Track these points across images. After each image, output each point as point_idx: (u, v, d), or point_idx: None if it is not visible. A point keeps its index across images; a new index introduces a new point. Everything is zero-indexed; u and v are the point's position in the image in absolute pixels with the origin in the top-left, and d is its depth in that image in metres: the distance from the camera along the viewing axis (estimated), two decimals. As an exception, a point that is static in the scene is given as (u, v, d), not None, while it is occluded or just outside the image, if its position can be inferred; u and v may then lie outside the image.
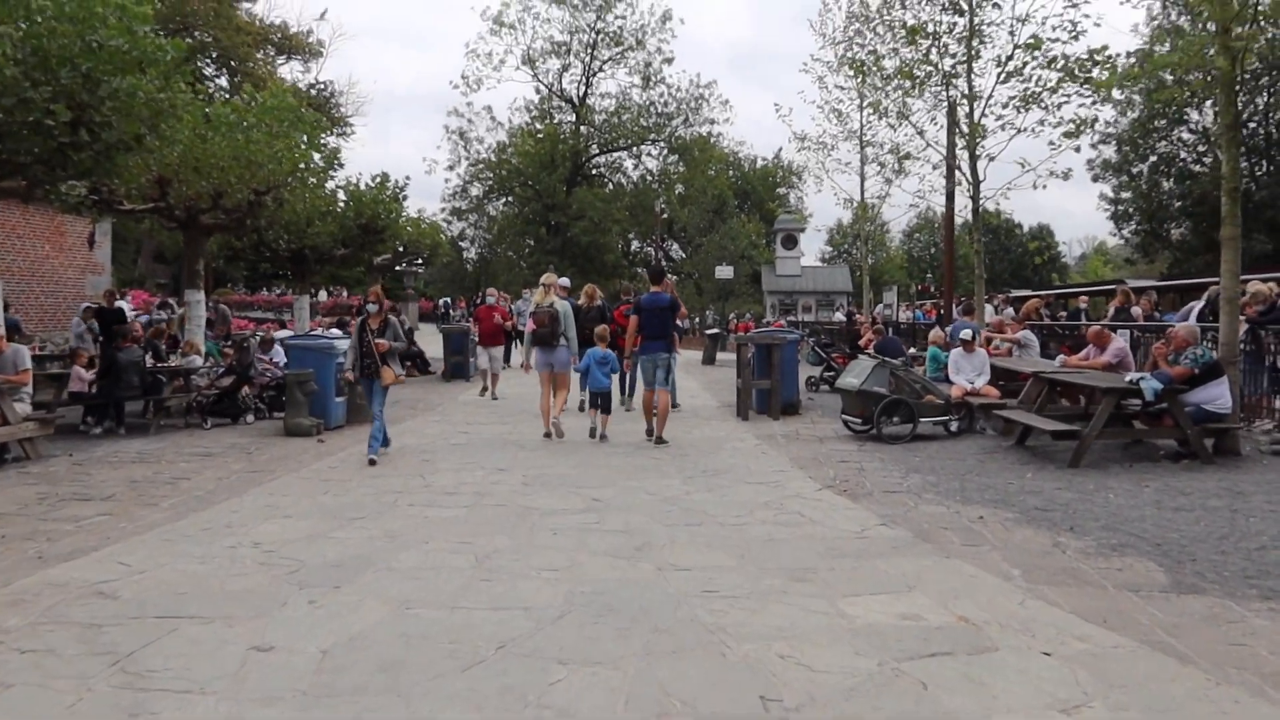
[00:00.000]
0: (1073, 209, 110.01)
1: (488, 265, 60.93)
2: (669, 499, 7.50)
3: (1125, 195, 40.63)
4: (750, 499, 7.51)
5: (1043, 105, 14.96)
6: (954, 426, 11.15)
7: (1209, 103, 40.37)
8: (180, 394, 12.33)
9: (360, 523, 6.58)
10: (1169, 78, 16.73)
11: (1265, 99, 39.29)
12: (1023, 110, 14.99)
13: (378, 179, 19.63)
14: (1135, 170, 41.17)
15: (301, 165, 14.89)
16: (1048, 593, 5.03)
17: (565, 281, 14.11)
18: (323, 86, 54.96)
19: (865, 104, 24.19)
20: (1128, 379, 9.28)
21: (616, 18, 56.85)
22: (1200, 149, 40.60)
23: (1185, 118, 39.96)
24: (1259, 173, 39.98)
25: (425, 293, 58.16)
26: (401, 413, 13.82)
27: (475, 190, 60.14)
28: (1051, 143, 14.94)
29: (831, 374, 17.35)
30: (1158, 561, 5.71)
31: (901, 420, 10.69)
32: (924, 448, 10.31)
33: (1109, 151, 41.72)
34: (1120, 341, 11.43)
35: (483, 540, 6.05)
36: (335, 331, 14.47)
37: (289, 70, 53.17)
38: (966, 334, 11.83)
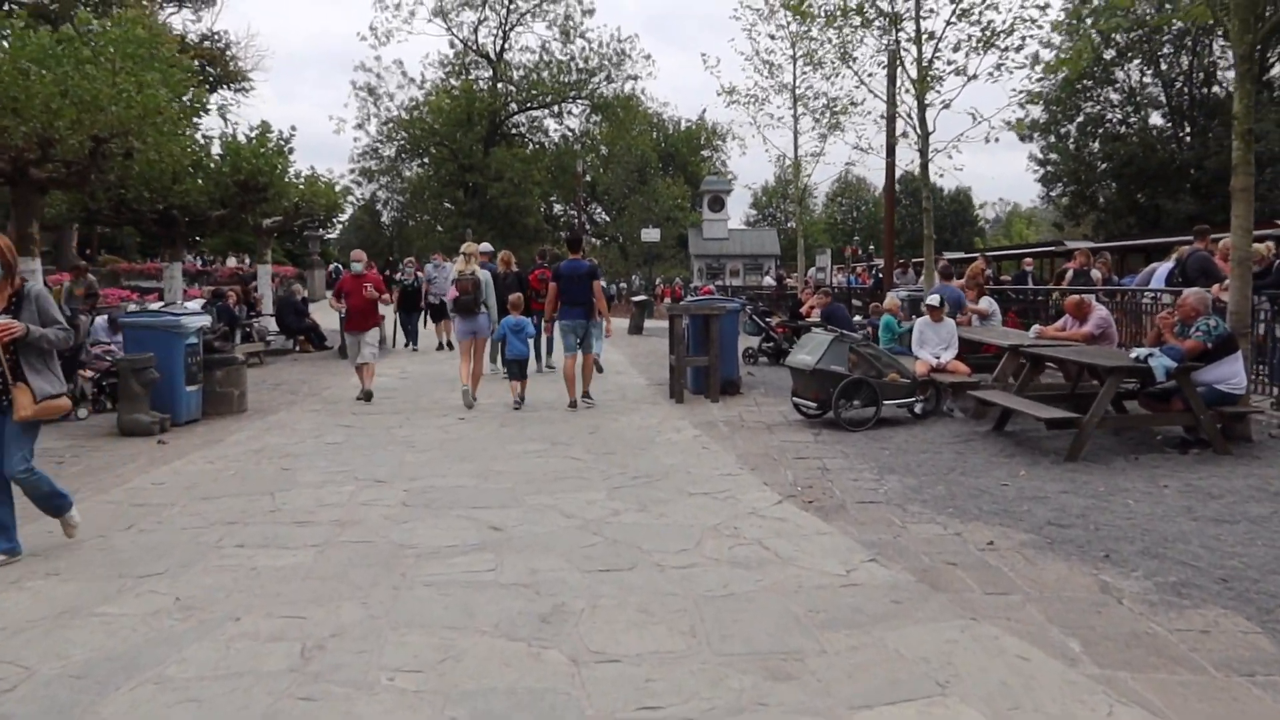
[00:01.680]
0: (988, 172, 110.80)
1: (402, 229, 58.20)
2: (590, 523, 5.78)
3: (1053, 156, 39.90)
4: (695, 520, 5.83)
5: (1000, 46, 13.55)
6: (919, 409, 9.66)
7: (1135, 60, 39.90)
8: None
9: (153, 581, 4.69)
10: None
11: (1189, 60, 38.90)
12: (978, 52, 13.54)
13: (256, 130, 17.30)
14: (1063, 131, 40.50)
15: (156, 111, 12.58)
16: (1134, 686, 3.47)
17: (486, 247, 15.14)
18: (216, 37, 51.30)
19: (799, 54, 22.70)
20: (1134, 355, 7.84)
21: (532, -34, 54.24)
22: (1128, 109, 40.14)
23: (1113, 77, 39.39)
24: (1182, 134, 39.71)
25: (337, 259, 55.23)
26: (276, 399, 11.82)
27: (387, 150, 57.08)
28: (1015, 91, 13.55)
29: (770, 344, 15.80)
30: (1242, 612, 4.23)
31: (863, 404, 9.14)
32: (890, 436, 8.78)
33: (1036, 111, 40.94)
34: (1103, 310, 10.06)
35: (322, 612, 4.23)
36: (191, 305, 12.34)
37: (179, 20, 49.42)
38: (934, 300, 10.30)
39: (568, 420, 9.75)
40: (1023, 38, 13.44)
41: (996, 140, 15.38)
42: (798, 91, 23.83)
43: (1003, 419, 8.85)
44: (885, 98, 16.23)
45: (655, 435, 8.91)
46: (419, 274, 17.17)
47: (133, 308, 14.95)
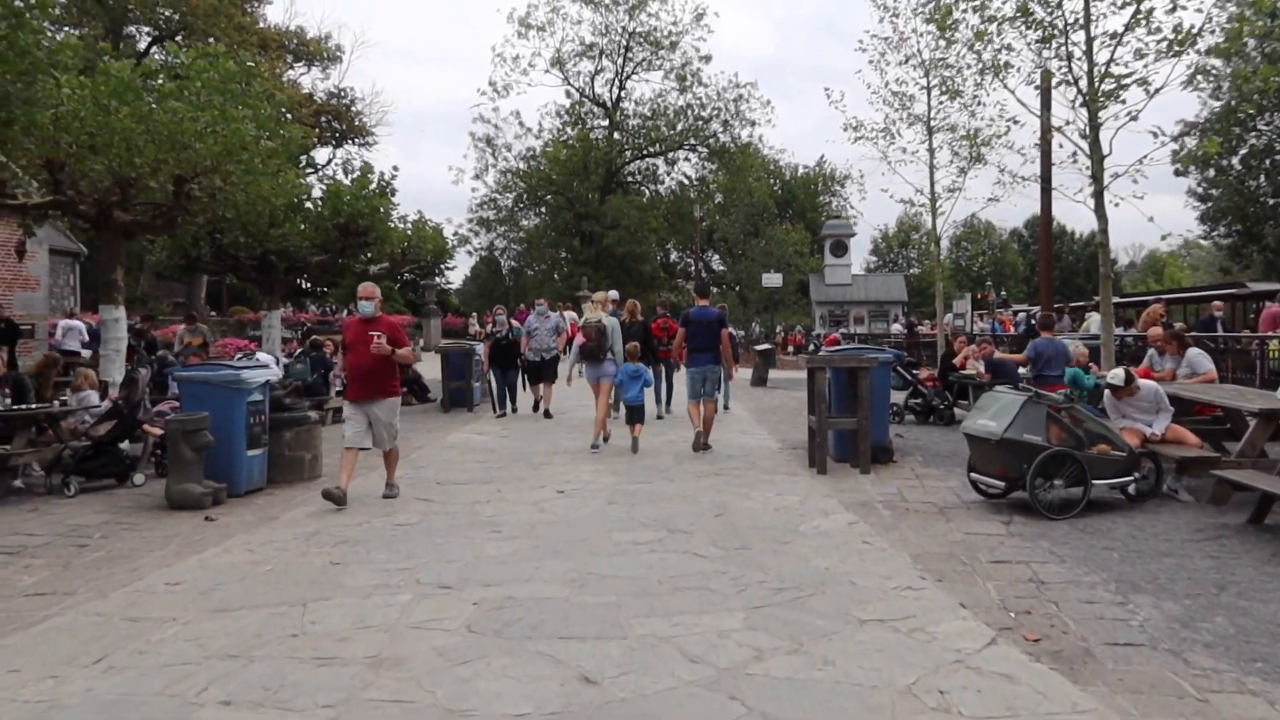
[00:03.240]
0: (1117, 216, 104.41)
1: (519, 277, 57.95)
2: (724, 675, 4.00)
3: (1215, 192, 36.23)
4: (877, 675, 3.98)
5: (1194, 50, 11.46)
6: (1132, 489, 7.55)
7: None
8: (44, 445, 9.02)
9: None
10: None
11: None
12: (1171, 55, 11.43)
13: (356, 172, 16.39)
14: (1224, 164, 36.86)
15: (241, 147, 11.62)
16: None
17: (614, 295, 15.66)
18: (342, 94, 52.47)
19: (934, 83, 20.84)
20: None
21: (649, 16, 53.72)
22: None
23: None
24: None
25: (457, 308, 55.22)
26: (365, 458, 10.45)
27: (504, 200, 57.12)
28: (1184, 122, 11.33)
29: (919, 401, 13.73)
30: None
31: (1066, 483, 7.09)
32: (1108, 528, 6.71)
33: (1191, 143, 37.49)
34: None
35: None
36: (263, 356, 11.16)
37: (308, 79, 50.74)
38: (1117, 377, 8.14)
39: (687, 498, 8.01)
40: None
41: (1185, 169, 13.07)
42: (933, 123, 21.89)
43: (1262, 508, 6.68)
44: (1044, 117, 14.22)
45: (798, 521, 7.06)
46: (515, 324, 14.72)
47: (241, 358, 14.13)
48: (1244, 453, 7.25)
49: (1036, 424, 7.11)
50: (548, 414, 14.09)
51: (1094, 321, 16.79)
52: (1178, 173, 37.45)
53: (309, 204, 15.95)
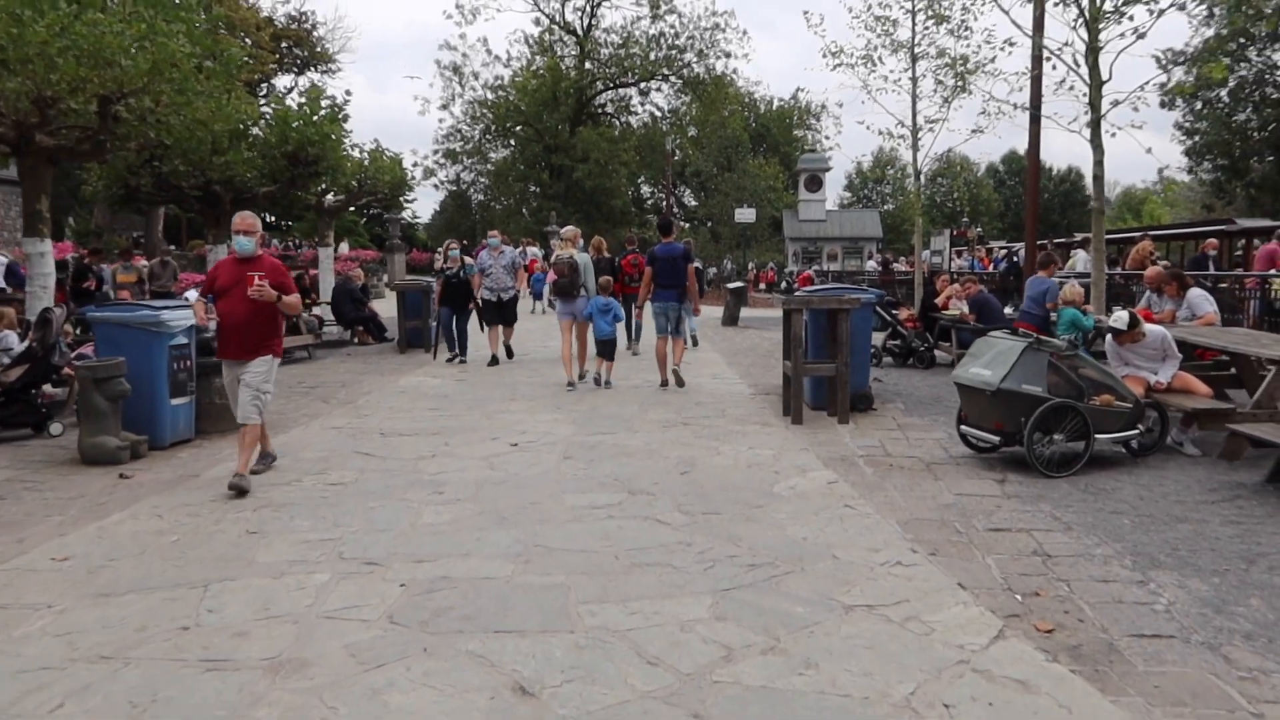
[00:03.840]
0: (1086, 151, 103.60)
1: (487, 211, 56.61)
2: (687, 682, 3.35)
3: (1202, 125, 35.47)
4: (869, 680, 3.36)
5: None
6: (1135, 444, 6.99)
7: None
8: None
9: None
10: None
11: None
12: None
13: (305, 96, 15.32)
14: (1211, 95, 36.09)
15: (172, 64, 10.58)
16: None
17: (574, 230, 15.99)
18: (303, 18, 50.23)
19: (918, 6, 19.91)
20: None
21: (622, -63, 51.75)
22: (1285, 71, 35.51)
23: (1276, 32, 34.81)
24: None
25: (424, 243, 53.86)
26: (302, 407, 9.72)
27: (470, 131, 55.46)
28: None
29: (898, 342, 13.14)
30: None
31: (1067, 437, 6.49)
32: (1113, 487, 6.14)
33: (1179, 74, 36.67)
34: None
35: None
36: (192, 295, 10.29)
37: (267, 1, 48.45)
38: (1121, 320, 7.50)
39: (652, 453, 7.35)
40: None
41: (1190, 96, 12.34)
42: (917, 50, 20.97)
43: None
44: (1036, 40, 13.45)
45: (772, 480, 6.43)
46: (469, 260, 13.09)
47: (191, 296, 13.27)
48: (1260, 404, 6.67)
49: (1036, 373, 6.49)
50: (509, 352, 13.45)
51: (1080, 259, 16.20)
52: (1164, 104, 36.73)
53: (256, 130, 14.87)
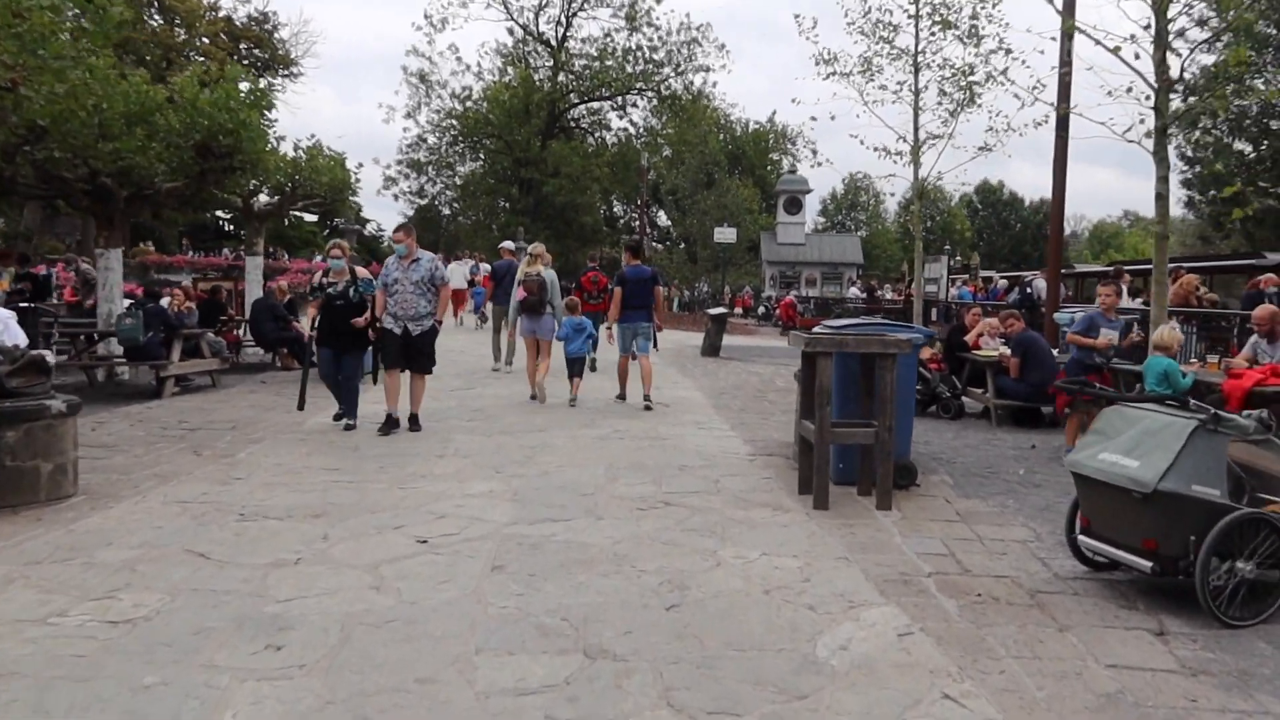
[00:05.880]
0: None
1: (453, 226, 54.21)
2: None
3: (1202, 155, 33.87)
4: None
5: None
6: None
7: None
8: None
9: None
10: None
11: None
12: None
13: (213, 77, 12.94)
14: (1206, 125, 34.57)
15: (14, 15, 8.23)
16: None
17: (510, 245, 16.04)
18: (264, 18, 47.58)
19: (924, 9, 18.04)
20: None
21: (598, -53, 49.85)
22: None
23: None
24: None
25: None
26: (158, 460, 7.30)
27: (434, 139, 53.02)
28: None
29: (919, 387, 10.92)
30: None
31: (1261, 566, 4.26)
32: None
33: (1176, 101, 35.16)
34: None
35: None
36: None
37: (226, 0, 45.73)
38: None
39: (621, 560, 5.02)
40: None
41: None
42: (921, 58, 18.98)
43: None
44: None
45: (811, 627, 4.11)
46: (363, 274, 9.13)
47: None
48: None
49: (1212, 468, 4.26)
50: (413, 424, 8.92)
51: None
52: (1163, 129, 35.12)
53: (158, 118, 12.41)
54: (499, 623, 4.08)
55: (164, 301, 12.14)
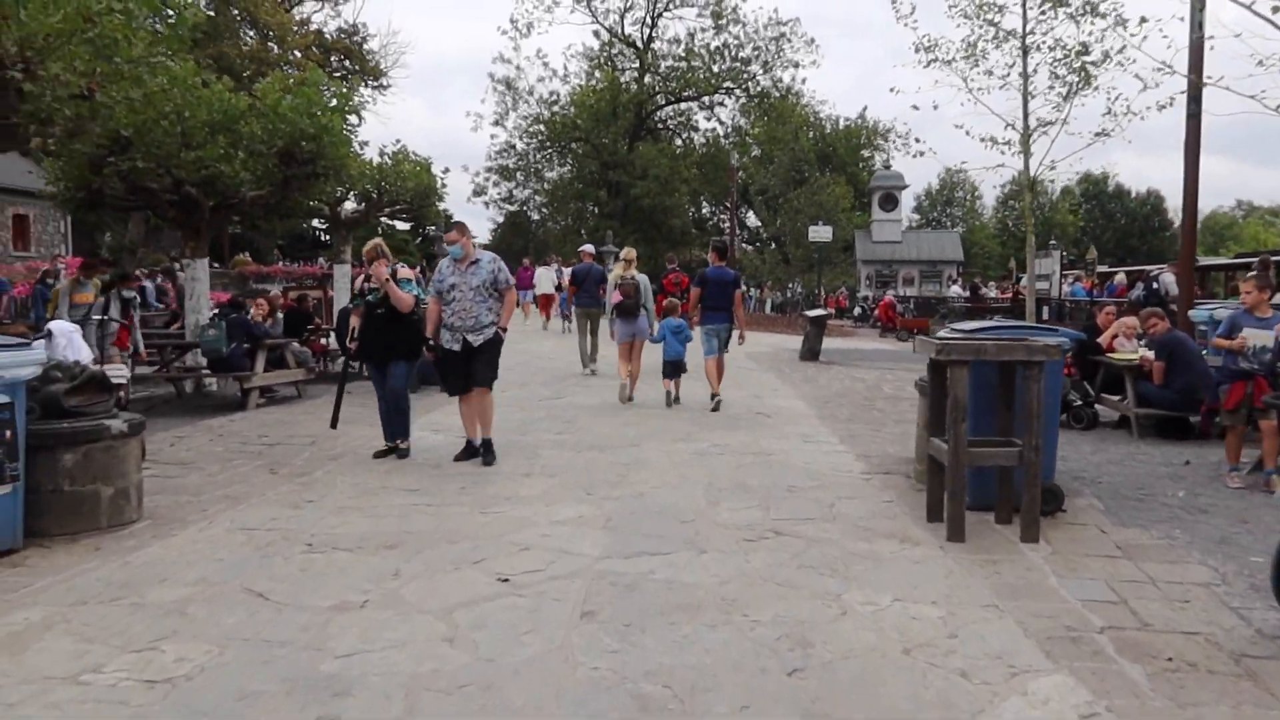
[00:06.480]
0: (1168, 173, 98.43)
1: (542, 231, 54.26)
2: None
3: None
4: None
5: None
6: None
7: None
8: None
9: None
10: None
11: None
12: None
13: (295, 82, 12.70)
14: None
15: (85, 19, 7.99)
16: None
17: (590, 248, 16.03)
18: (354, 30, 48.34)
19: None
20: None
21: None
22: None
23: None
24: None
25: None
26: (246, 474, 6.90)
27: (522, 145, 53.13)
28: None
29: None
30: None
31: None
32: None
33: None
34: None
35: None
36: (61, 327, 7.52)
37: (319, 16, 46.63)
38: None
39: (730, 606, 4.34)
40: None
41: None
42: (1029, 40, 17.80)
43: None
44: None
45: (966, 706, 3.34)
46: (406, 275, 8.02)
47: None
48: None
49: None
50: (485, 452, 7.62)
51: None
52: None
53: (241, 126, 12.24)
54: (589, 689, 3.44)
55: (249, 312, 11.89)
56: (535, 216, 56.59)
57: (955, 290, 36.39)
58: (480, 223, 57.73)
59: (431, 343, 7.71)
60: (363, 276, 8.11)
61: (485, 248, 9.18)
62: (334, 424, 8.33)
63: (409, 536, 5.43)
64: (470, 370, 7.54)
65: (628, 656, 3.73)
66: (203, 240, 12.96)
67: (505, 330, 7.67)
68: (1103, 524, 5.83)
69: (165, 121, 11.10)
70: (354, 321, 7.99)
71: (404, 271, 8.06)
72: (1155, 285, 16.46)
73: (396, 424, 7.90)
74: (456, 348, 7.51)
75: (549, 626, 4.05)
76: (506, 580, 4.66)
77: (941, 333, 6.11)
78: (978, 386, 5.77)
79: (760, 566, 4.89)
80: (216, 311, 11.80)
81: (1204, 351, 9.06)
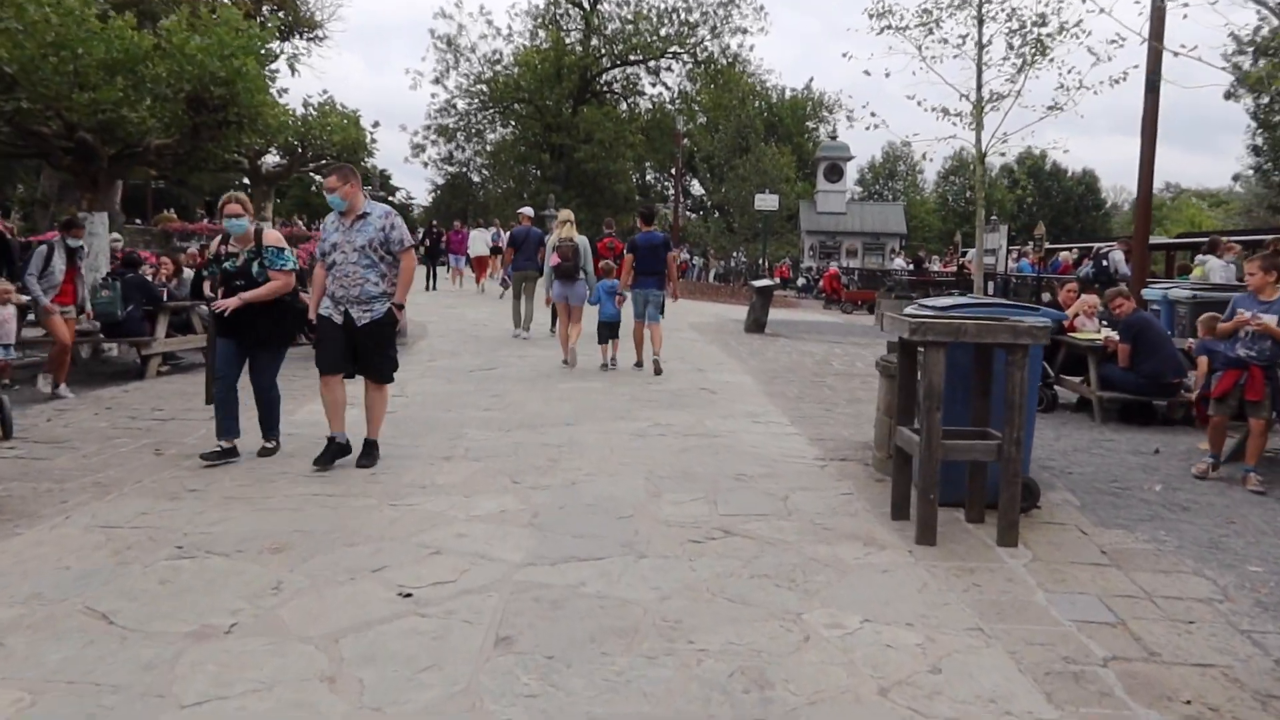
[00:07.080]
0: (1107, 154, 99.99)
1: (479, 193, 52.92)
2: None
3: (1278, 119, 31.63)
4: None
5: None
6: None
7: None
8: None
9: None
10: None
11: None
12: None
13: (203, 18, 11.59)
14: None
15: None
16: None
17: (529, 210, 15.32)
18: (284, -28, 46.13)
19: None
20: None
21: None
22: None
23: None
24: None
25: (416, 225, 50.11)
26: (127, 456, 6.04)
27: (463, 105, 51.59)
28: None
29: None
30: None
31: None
32: None
33: (1245, 62, 33.01)
34: None
35: None
36: None
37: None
38: None
39: (670, 629, 3.69)
40: None
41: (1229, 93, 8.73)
42: (985, 9, 17.37)
43: None
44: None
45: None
46: (272, 240, 6.39)
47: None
48: None
49: None
50: (366, 455, 6.29)
51: (1214, 268, 12.50)
52: (1228, 95, 33.14)
53: (144, 67, 11.12)
54: (497, 753, 2.74)
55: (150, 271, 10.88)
56: (476, 179, 55.19)
57: (899, 263, 36.17)
58: (419, 184, 56.19)
59: (315, 321, 6.24)
60: (219, 237, 6.56)
61: (425, 210, 8.25)
62: (209, 399, 7.22)
63: (300, 536, 4.67)
64: (360, 357, 6.18)
65: (549, 703, 3.04)
66: (102, 192, 11.85)
67: (402, 306, 6.27)
68: (1082, 524, 5.29)
69: (54, 58, 9.99)
70: (208, 291, 6.63)
71: (271, 236, 6.40)
72: (1105, 263, 16.13)
73: (265, 417, 6.57)
74: (338, 319, 6.09)
75: (455, 659, 3.34)
76: (409, 595, 3.94)
77: (910, 309, 5.47)
78: (950, 370, 5.16)
79: (708, 577, 4.24)
80: (108, 272, 10.71)
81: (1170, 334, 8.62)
